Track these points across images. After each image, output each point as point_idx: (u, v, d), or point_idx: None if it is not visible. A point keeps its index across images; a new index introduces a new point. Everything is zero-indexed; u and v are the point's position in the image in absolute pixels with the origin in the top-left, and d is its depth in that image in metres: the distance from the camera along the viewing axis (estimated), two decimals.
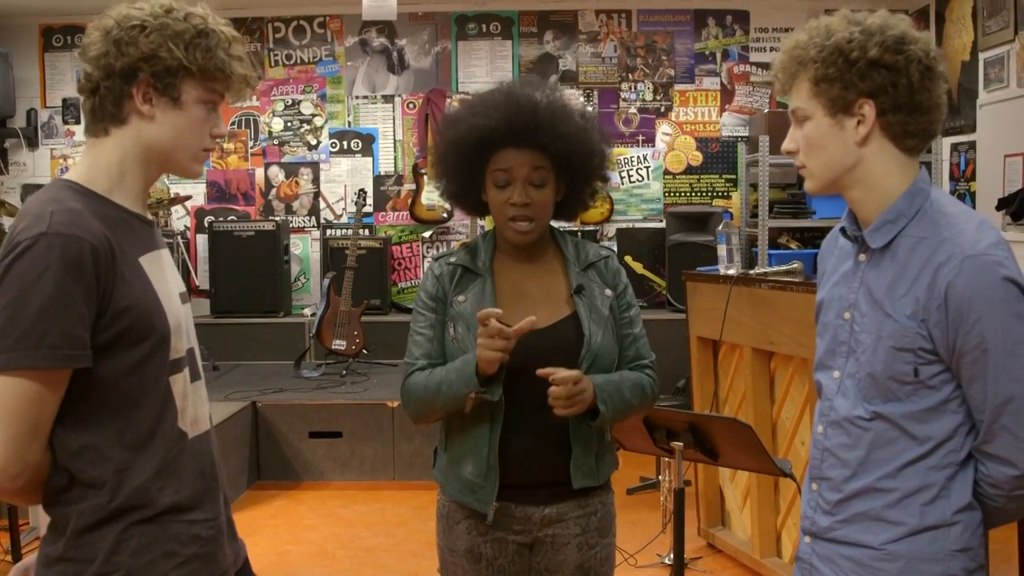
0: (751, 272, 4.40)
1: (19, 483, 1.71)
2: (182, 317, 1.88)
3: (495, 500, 2.34)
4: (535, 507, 2.37)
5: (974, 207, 6.40)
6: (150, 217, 1.93)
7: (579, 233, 7.38)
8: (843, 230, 1.97)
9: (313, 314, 7.06)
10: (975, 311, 1.71)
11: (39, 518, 5.20)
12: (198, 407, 1.92)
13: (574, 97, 7.45)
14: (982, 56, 6.34)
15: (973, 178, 6.47)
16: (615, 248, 7.63)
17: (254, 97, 7.80)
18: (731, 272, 4.45)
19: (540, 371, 2.23)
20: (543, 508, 2.38)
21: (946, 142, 6.79)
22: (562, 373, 2.23)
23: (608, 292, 2.45)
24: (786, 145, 1.93)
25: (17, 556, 4.67)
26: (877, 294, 1.84)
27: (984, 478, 1.81)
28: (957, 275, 1.72)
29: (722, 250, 4.57)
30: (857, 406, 1.86)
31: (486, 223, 6.72)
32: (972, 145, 6.48)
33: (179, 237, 7.47)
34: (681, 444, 3.04)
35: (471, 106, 2.45)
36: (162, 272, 1.87)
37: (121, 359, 1.75)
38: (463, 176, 2.44)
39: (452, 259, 2.47)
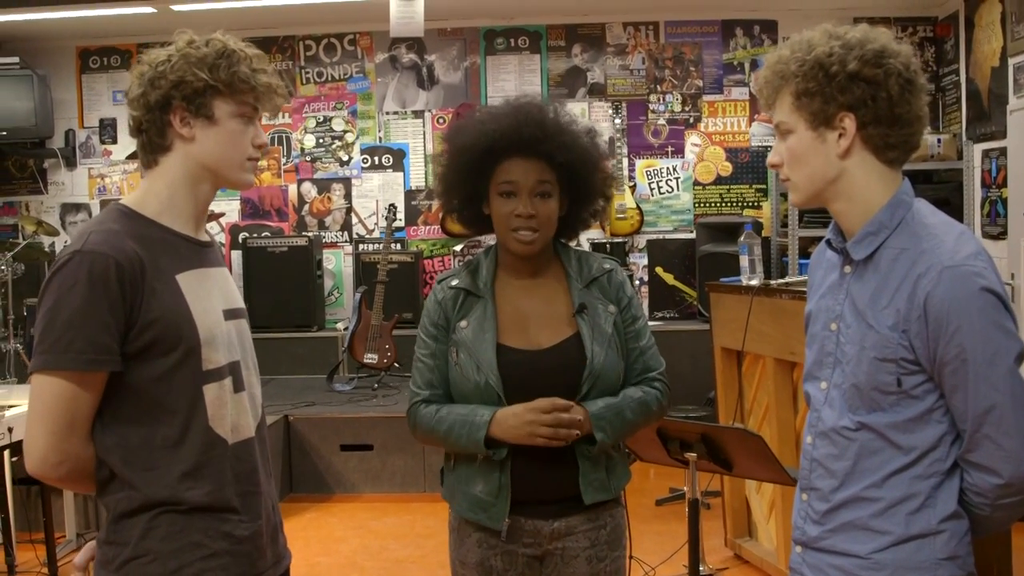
0: (772, 283, 4.40)
1: (61, 471, 1.89)
2: (221, 332, 2.01)
3: (507, 516, 2.36)
4: (544, 520, 2.39)
5: (1006, 214, 6.34)
6: (204, 239, 2.09)
7: (608, 246, 7.40)
8: (829, 242, 1.99)
9: (345, 328, 7.13)
10: (954, 321, 1.72)
11: (75, 530, 5.30)
12: (240, 416, 2.04)
13: (590, 117, 7.50)
14: (1012, 62, 6.28)
15: (1005, 184, 6.40)
16: (646, 259, 7.65)
17: (286, 114, 7.91)
18: (753, 283, 4.46)
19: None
20: (552, 522, 2.39)
21: (977, 149, 6.73)
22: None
23: (612, 308, 2.45)
24: (771, 158, 1.95)
25: (53, 568, 4.76)
26: (860, 305, 1.85)
27: (970, 487, 1.81)
28: (936, 286, 1.73)
29: (744, 261, 4.57)
30: (843, 416, 1.87)
31: None
32: (1003, 151, 6.41)
33: None
34: (695, 455, 3.05)
35: (479, 116, 2.48)
36: (204, 289, 2.01)
37: (151, 367, 1.90)
38: (468, 186, 2.45)
39: (454, 282, 2.48)
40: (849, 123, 1.82)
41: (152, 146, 2.00)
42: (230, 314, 2.07)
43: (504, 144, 2.37)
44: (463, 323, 2.42)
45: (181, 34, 2.01)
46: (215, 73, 1.95)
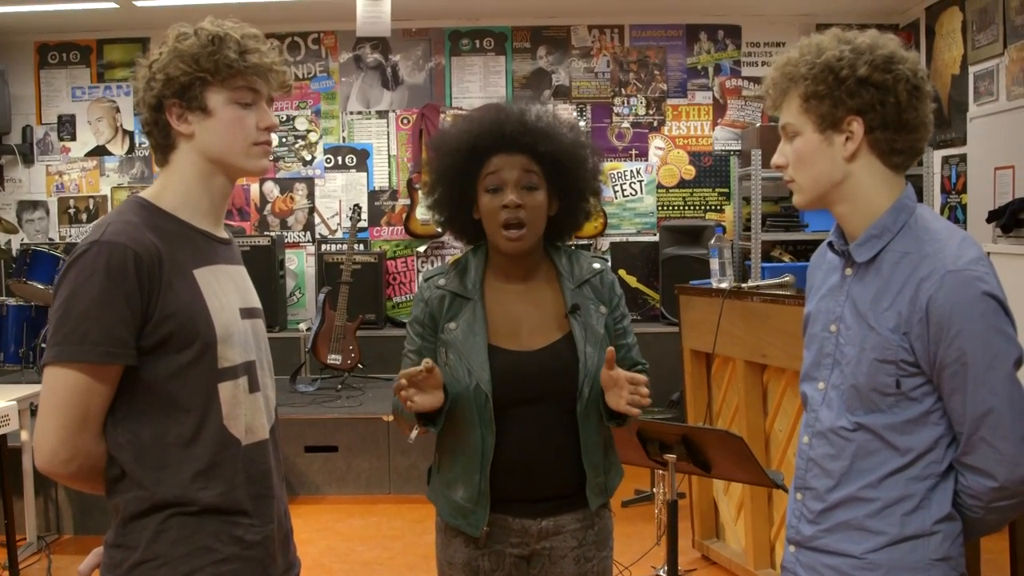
0: (743, 285, 4.43)
1: (72, 468, 1.86)
2: (237, 330, 1.98)
3: (486, 524, 2.35)
4: (532, 520, 2.38)
5: (965, 220, 6.45)
6: (222, 235, 2.07)
7: (573, 247, 7.40)
8: (831, 244, 2.00)
9: (308, 329, 7.08)
10: (955, 325, 1.74)
11: (35, 533, 5.21)
12: (254, 417, 2.00)
13: (565, 111, 7.51)
14: (972, 70, 6.39)
15: (964, 190, 6.51)
16: (608, 261, 7.66)
17: None
18: (723, 285, 4.48)
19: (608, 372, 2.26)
20: (540, 521, 2.38)
21: (937, 155, 6.84)
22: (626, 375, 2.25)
23: (603, 309, 2.45)
24: (775, 160, 1.96)
25: (15, 571, 4.68)
26: (862, 307, 1.87)
27: (964, 489, 1.84)
28: (938, 289, 1.75)
29: (714, 264, 4.59)
30: (841, 417, 1.89)
31: None
32: (963, 158, 6.52)
33: None
34: (674, 456, 3.06)
35: (460, 121, 2.48)
36: (220, 285, 1.98)
37: (166, 363, 1.87)
38: (456, 190, 2.43)
39: (441, 282, 2.45)
40: (857, 127, 1.84)
41: (159, 145, 2.00)
42: (246, 313, 2.04)
43: (487, 141, 2.37)
44: (452, 324, 2.40)
45: (173, 28, 1.98)
46: (199, 64, 1.92)
